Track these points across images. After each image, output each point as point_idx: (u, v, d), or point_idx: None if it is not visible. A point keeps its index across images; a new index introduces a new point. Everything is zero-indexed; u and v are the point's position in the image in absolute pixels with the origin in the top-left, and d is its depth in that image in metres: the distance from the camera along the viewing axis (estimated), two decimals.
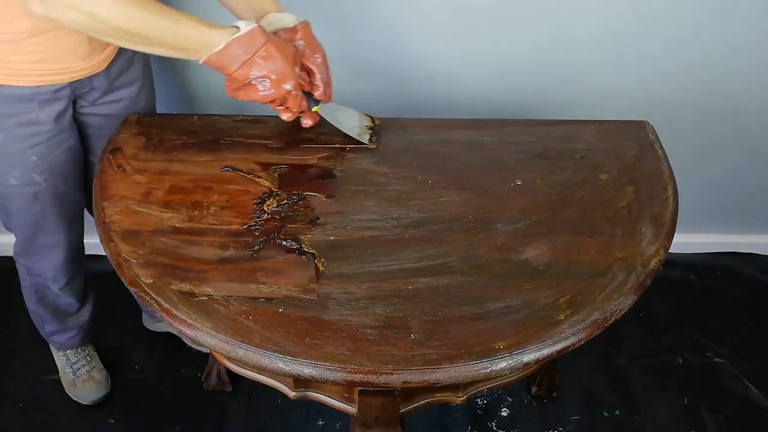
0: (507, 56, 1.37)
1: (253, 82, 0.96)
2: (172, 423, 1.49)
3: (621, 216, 1.02)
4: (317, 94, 1.04)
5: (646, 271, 0.93)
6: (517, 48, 1.35)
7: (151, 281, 0.90)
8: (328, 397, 1.15)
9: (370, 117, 1.16)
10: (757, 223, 1.83)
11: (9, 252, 1.78)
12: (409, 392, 1.11)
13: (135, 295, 0.90)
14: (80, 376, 1.51)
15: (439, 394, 1.14)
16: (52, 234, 1.22)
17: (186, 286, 0.89)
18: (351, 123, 1.12)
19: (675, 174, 1.10)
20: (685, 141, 1.54)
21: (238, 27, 0.93)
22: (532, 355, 0.83)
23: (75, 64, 1.01)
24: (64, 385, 1.53)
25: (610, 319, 0.88)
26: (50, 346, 1.53)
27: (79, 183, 1.21)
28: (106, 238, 0.96)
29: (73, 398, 1.52)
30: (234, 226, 0.98)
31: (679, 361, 1.64)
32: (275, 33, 1.01)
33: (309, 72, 1.03)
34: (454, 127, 1.18)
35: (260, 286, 0.90)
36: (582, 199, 1.05)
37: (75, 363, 1.52)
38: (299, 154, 1.11)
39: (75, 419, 1.49)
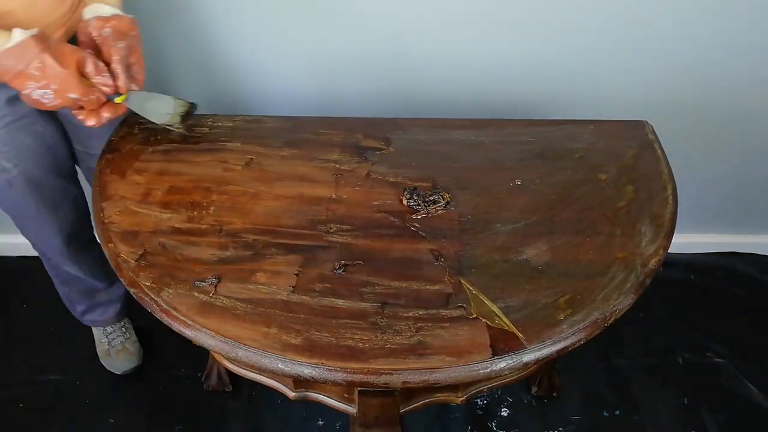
0: (507, 56, 1.37)
1: (34, 95, 0.90)
2: (172, 423, 1.49)
3: (620, 216, 1.02)
4: (118, 83, 0.97)
5: (645, 271, 0.93)
6: (517, 48, 1.35)
7: (150, 282, 0.90)
8: (327, 397, 1.15)
9: (189, 102, 1.11)
10: (757, 223, 1.83)
11: (8, 252, 1.79)
12: (409, 392, 1.11)
13: (134, 296, 0.90)
14: (114, 346, 1.56)
15: (438, 394, 1.14)
16: (37, 219, 1.22)
17: (185, 287, 0.89)
18: (163, 110, 1.08)
19: (674, 174, 1.10)
20: (684, 141, 1.54)
21: (10, 35, 0.86)
22: (531, 355, 0.83)
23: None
24: (98, 354, 1.58)
25: (609, 319, 0.88)
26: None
27: (60, 169, 1.19)
28: (105, 239, 0.96)
29: (107, 368, 1.56)
30: (233, 226, 0.98)
31: (679, 361, 1.64)
32: (88, 21, 0.96)
33: (108, 62, 0.96)
34: (454, 127, 1.18)
35: (260, 286, 0.90)
36: (581, 198, 1.05)
37: (110, 334, 1.56)
38: (298, 153, 1.11)
39: (75, 419, 1.49)
